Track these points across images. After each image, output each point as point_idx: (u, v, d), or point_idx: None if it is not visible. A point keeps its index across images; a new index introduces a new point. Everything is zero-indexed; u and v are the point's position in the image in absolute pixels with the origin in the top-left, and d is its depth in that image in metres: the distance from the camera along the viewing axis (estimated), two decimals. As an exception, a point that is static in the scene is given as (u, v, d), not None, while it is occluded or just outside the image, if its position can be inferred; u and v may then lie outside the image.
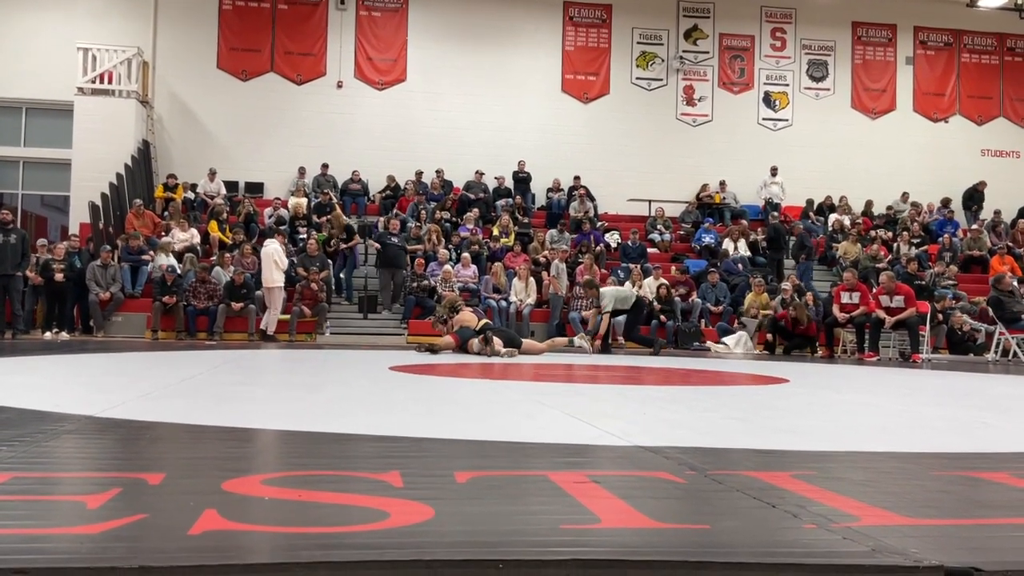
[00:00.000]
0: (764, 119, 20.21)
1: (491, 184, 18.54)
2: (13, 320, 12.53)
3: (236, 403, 4.41)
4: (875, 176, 19.60)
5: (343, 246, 15.58)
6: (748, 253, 16.92)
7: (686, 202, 19.02)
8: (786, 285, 14.57)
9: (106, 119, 16.69)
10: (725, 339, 13.66)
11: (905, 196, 19.44)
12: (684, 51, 19.94)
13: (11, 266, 12.44)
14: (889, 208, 19.17)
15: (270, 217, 16.44)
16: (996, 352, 12.92)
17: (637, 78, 19.87)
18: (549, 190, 18.80)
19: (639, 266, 15.69)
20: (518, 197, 18.29)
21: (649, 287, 14.94)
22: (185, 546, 1.50)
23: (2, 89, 17.56)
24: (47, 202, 18.69)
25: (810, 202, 19.10)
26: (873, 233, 17.58)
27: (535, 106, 19.31)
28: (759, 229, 17.76)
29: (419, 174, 18.21)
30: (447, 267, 14.78)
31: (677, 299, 14.69)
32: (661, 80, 19.91)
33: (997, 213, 19.17)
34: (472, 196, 17.97)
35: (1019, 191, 19.81)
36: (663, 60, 19.91)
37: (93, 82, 16.99)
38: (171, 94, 18.27)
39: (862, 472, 2.69)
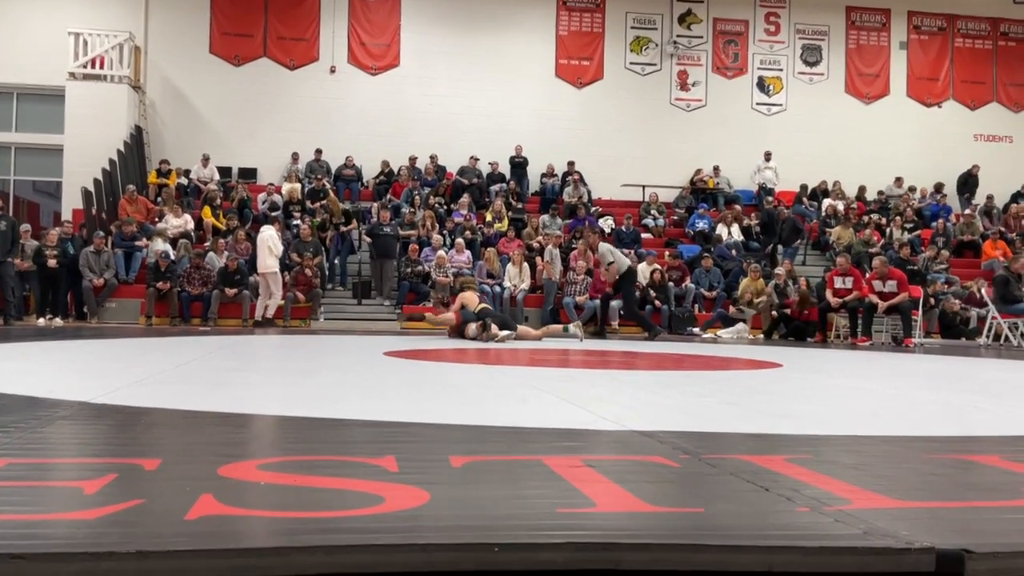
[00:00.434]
0: (758, 104, 20.20)
1: (485, 169, 18.51)
2: (5, 307, 12.51)
3: (231, 389, 4.41)
4: (868, 161, 19.63)
5: (342, 229, 15.54)
6: (741, 238, 16.95)
7: (680, 187, 19.03)
8: (779, 270, 14.60)
9: (98, 104, 16.61)
10: (722, 333, 13.62)
11: (899, 181, 19.47)
12: (678, 36, 19.90)
13: (2, 253, 12.40)
14: (880, 193, 19.20)
15: (263, 203, 16.40)
16: (988, 336, 12.98)
17: (631, 63, 19.84)
18: (543, 175, 18.79)
19: (633, 251, 15.70)
20: (512, 182, 18.27)
21: (643, 272, 14.95)
22: (182, 531, 1.51)
23: (-7, 74, 17.48)
24: (39, 188, 18.63)
25: (804, 187, 19.12)
26: (866, 218, 17.61)
27: (529, 91, 19.27)
28: (753, 214, 17.78)
29: (413, 159, 18.18)
30: (441, 253, 14.78)
31: (671, 284, 14.71)
32: (655, 65, 19.87)
33: (990, 198, 19.22)
34: (466, 181, 17.95)
35: (1012, 176, 19.85)
36: (657, 45, 19.87)
37: (84, 67, 16.91)
38: (163, 79, 18.19)
39: (854, 456, 2.71)
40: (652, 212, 18.08)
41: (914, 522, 1.72)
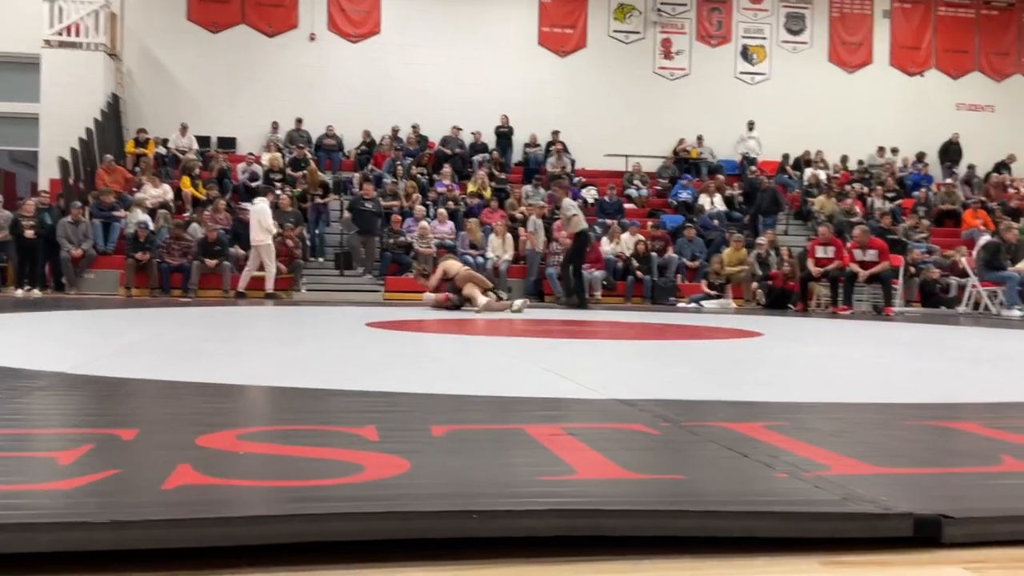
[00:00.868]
0: (741, 73, 20.14)
1: (468, 139, 18.41)
2: (-17, 278, 12.39)
3: (211, 359, 4.39)
4: (851, 130, 19.64)
5: (319, 200, 15.41)
6: (724, 208, 16.97)
7: (663, 157, 18.99)
8: (762, 240, 14.64)
9: (74, 73, 16.36)
10: (706, 304, 13.59)
11: (881, 151, 19.51)
12: (662, 3, 19.77)
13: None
14: (861, 163, 19.24)
15: (243, 173, 16.26)
16: (967, 304, 13.09)
17: (614, 31, 19.70)
18: (526, 145, 18.70)
19: (616, 222, 15.70)
20: (495, 152, 18.18)
21: (626, 243, 14.97)
22: (158, 500, 1.49)
23: (-34, 42, 17.15)
24: (16, 158, 18.38)
25: (786, 156, 19.12)
26: (848, 188, 17.66)
27: (511, 60, 19.12)
28: (735, 184, 17.79)
29: (395, 130, 18.03)
30: (423, 223, 14.72)
31: (653, 255, 14.73)
32: (638, 33, 19.75)
33: (972, 167, 19.30)
34: (449, 151, 17.85)
35: (993, 145, 19.93)
36: (640, 12, 19.74)
37: (60, 34, 16.62)
38: (140, 46, 17.93)
39: (834, 422, 2.73)
40: (635, 182, 18.05)
41: (892, 488, 1.73)
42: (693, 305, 13.32)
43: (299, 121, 17.81)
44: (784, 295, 13.44)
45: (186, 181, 15.64)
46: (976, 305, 12.95)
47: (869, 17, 20.53)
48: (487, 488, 1.67)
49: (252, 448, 2.00)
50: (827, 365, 4.86)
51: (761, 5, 20.21)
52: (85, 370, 3.50)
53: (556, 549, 1.43)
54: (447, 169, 16.97)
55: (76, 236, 13.44)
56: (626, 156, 18.72)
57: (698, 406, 2.99)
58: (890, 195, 17.81)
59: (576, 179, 17.68)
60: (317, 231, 15.34)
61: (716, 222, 16.34)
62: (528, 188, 16.68)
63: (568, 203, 12.64)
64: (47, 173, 15.95)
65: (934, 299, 14.20)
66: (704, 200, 17.03)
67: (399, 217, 14.97)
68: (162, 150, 16.91)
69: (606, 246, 14.95)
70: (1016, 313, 11.92)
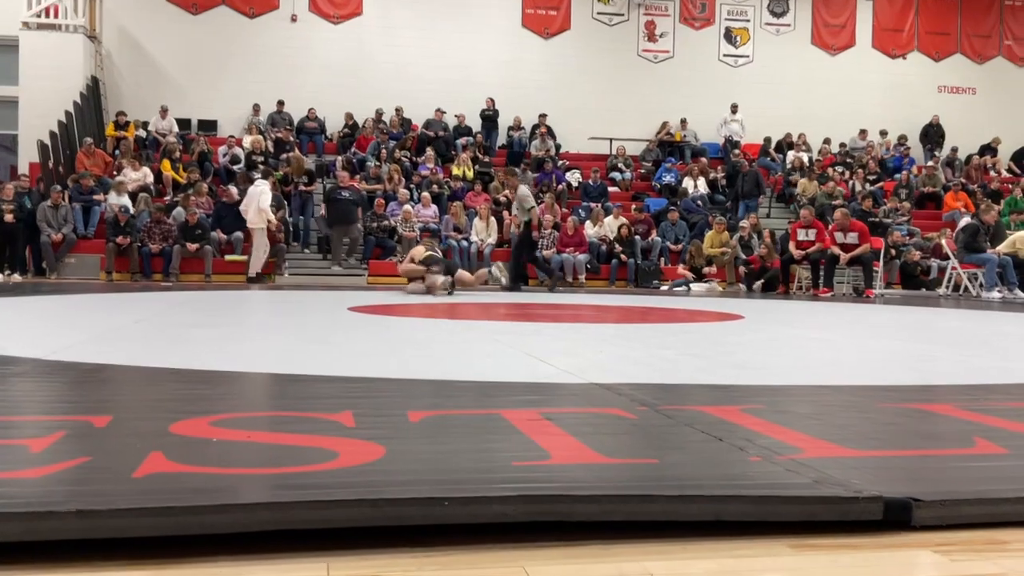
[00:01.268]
0: (725, 55, 20.12)
1: (451, 122, 18.32)
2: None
3: (189, 345, 4.36)
4: (834, 113, 19.67)
5: (302, 188, 15.22)
6: (707, 191, 16.98)
7: (647, 140, 18.98)
8: (744, 223, 14.68)
9: (53, 55, 16.16)
10: (693, 286, 13.61)
11: (863, 133, 19.56)
12: (646, -16, 19.70)
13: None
14: (843, 145, 19.29)
15: (224, 156, 16.13)
16: (947, 287, 13.18)
17: (598, 13, 19.63)
18: (510, 128, 18.63)
19: (600, 205, 15.70)
20: (479, 135, 18.12)
21: (609, 226, 14.98)
22: (128, 489, 1.48)
23: (-58, 24, 16.91)
24: (-6, 141, 18.17)
25: (768, 140, 19.15)
26: (831, 171, 17.71)
27: (495, 42, 19.02)
28: (719, 167, 17.81)
29: (379, 112, 17.92)
30: (407, 207, 14.66)
31: (637, 238, 14.74)
32: (622, 15, 19.68)
33: (954, 150, 19.39)
34: (432, 134, 17.77)
35: (975, 128, 20.01)
36: (624, -6, 19.67)
37: (38, 16, 16.42)
38: (119, 28, 17.72)
39: (810, 406, 2.74)
40: (619, 165, 18.04)
41: (864, 471, 1.74)
42: (681, 288, 13.35)
43: (281, 103, 17.68)
44: (766, 279, 13.48)
45: (166, 164, 15.51)
46: (956, 287, 13.04)
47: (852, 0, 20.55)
48: (461, 474, 1.67)
49: (226, 435, 1.99)
50: (806, 348, 4.88)
51: (745, -13, 20.18)
52: (61, 356, 3.47)
53: (528, 534, 1.43)
54: (430, 152, 16.90)
55: (56, 220, 13.32)
56: (610, 139, 18.69)
57: (676, 390, 3.00)
58: (871, 178, 17.87)
59: (560, 162, 17.65)
60: (302, 217, 15.15)
61: (699, 203, 16.36)
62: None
63: (526, 192, 12.69)
64: (26, 156, 15.79)
65: (915, 281, 14.29)
66: (688, 183, 17.04)
67: (382, 201, 14.90)
68: (142, 133, 16.75)
69: (590, 229, 14.95)
70: (996, 295, 12.02)
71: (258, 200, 12.99)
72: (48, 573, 1.26)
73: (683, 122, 19.16)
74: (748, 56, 20.16)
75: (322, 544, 1.37)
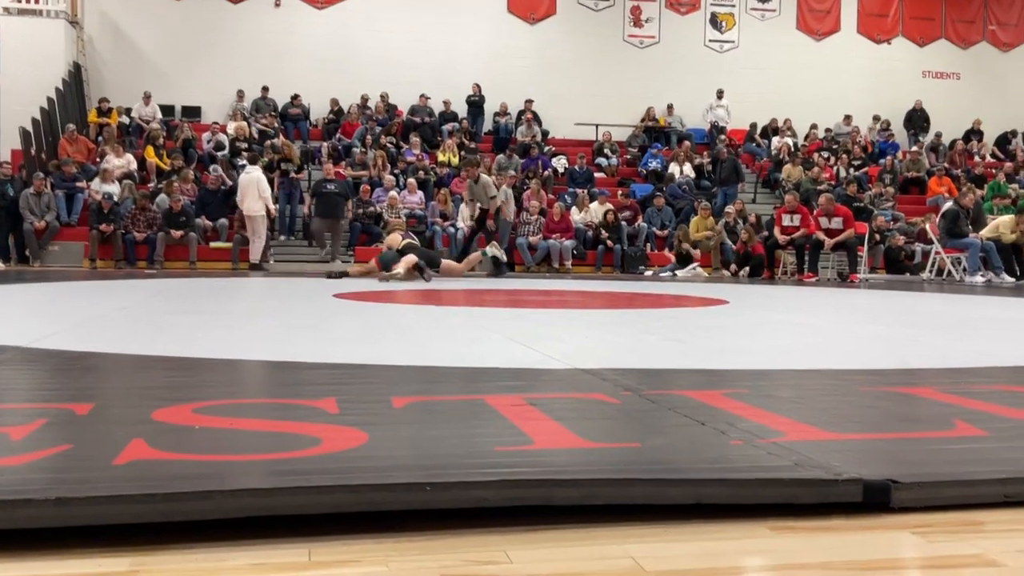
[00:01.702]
0: (711, 41, 20.10)
1: (437, 108, 18.25)
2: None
3: (173, 332, 4.35)
4: (818, 98, 19.70)
5: (294, 175, 15.03)
6: (693, 176, 17.00)
7: (633, 126, 18.96)
8: (730, 209, 14.72)
9: (34, 41, 16.00)
10: (679, 272, 13.59)
11: (848, 119, 19.60)
12: (631, -31, 19.64)
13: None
14: (828, 131, 19.33)
15: (208, 142, 16.03)
16: (931, 271, 13.26)
17: (584, -2, 19.57)
18: (496, 114, 18.58)
19: (586, 191, 15.69)
20: (465, 121, 18.06)
21: (595, 212, 14.98)
22: (108, 476, 1.48)
23: (-81, 9, 16.68)
24: (-25, 128, 17.96)
25: (754, 125, 19.17)
26: (816, 156, 17.75)
27: (480, 27, 18.93)
28: (704, 153, 17.82)
29: (364, 98, 17.83)
30: (393, 193, 14.61)
31: (623, 224, 14.75)
32: (608, 1, 19.62)
33: (938, 135, 19.46)
34: (418, 120, 17.70)
35: (959, 113, 20.09)
36: (610, -22, 19.60)
37: (18, 1, 16.23)
38: (101, 13, 17.55)
39: (792, 389, 2.75)
40: (605, 151, 18.02)
41: (845, 454, 1.75)
42: (666, 274, 13.36)
43: (265, 90, 17.56)
44: (751, 265, 13.51)
45: (150, 151, 15.40)
46: (940, 271, 13.11)
47: (837, -16, 20.55)
48: (443, 460, 1.67)
49: (208, 422, 1.98)
50: (790, 332, 4.90)
51: (730, -28, 20.15)
52: (44, 344, 3.45)
53: (510, 519, 1.44)
54: (416, 138, 16.84)
55: (39, 208, 13.22)
56: (596, 125, 18.67)
57: (660, 375, 3.01)
58: (856, 163, 17.93)
59: (547, 148, 17.62)
60: (288, 206, 14.93)
61: (685, 189, 16.37)
62: (501, 158, 16.60)
63: (490, 181, 12.76)
64: (8, 143, 15.62)
65: (899, 266, 14.36)
66: (674, 168, 17.05)
67: (368, 187, 14.83)
68: (125, 120, 16.61)
69: (576, 215, 14.94)
70: (979, 279, 12.10)
71: (257, 187, 12.91)
72: (27, 562, 1.26)
73: (670, 108, 19.15)
74: (734, 41, 20.15)
75: (304, 530, 1.37)
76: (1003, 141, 20.12)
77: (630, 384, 2.62)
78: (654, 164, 17.39)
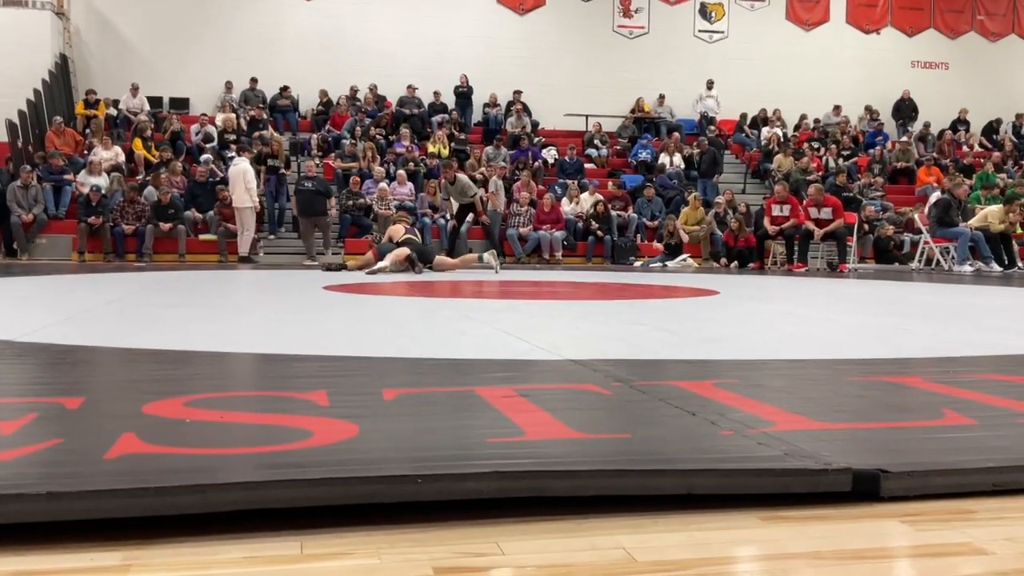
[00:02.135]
0: (700, 31, 20.08)
1: (427, 99, 18.20)
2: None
3: (163, 325, 4.33)
4: (808, 89, 19.71)
5: (282, 171, 14.92)
6: (683, 167, 17.01)
7: (623, 116, 18.95)
8: (720, 199, 14.73)
9: (20, 32, 15.88)
10: (669, 263, 13.59)
11: (837, 109, 19.63)
12: (620, -41, 19.58)
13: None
14: (817, 121, 19.36)
15: (197, 134, 15.95)
16: (920, 261, 13.31)
17: (573, -12, 19.51)
18: (486, 105, 18.54)
19: (576, 182, 15.69)
20: (454, 112, 18.02)
21: (586, 203, 14.98)
22: (100, 470, 1.48)
23: (-97, 0, 16.53)
24: (-40, 121, 17.82)
25: (744, 116, 19.17)
26: (805, 146, 17.77)
27: (470, 17, 18.87)
28: (694, 143, 17.83)
29: (353, 90, 17.76)
30: (383, 185, 14.58)
31: (614, 215, 14.76)
32: (598, -10, 19.57)
33: (927, 125, 19.51)
34: (407, 112, 17.65)
35: (947, 103, 20.13)
36: (599, -31, 19.54)
37: (3, -8, 16.11)
38: (88, 4, 17.42)
39: (782, 379, 2.76)
40: (595, 142, 18.01)
41: (835, 443, 1.76)
42: (657, 264, 13.38)
43: (254, 81, 17.47)
44: (740, 253, 13.53)
45: (138, 143, 15.32)
46: (929, 261, 13.17)
47: (826, -26, 20.54)
48: (434, 451, 1.67)
49: (199, 416, 1.98)
50: (780, 322, 4.92)
51: (719, -38, 20.11)
52: (33, 338, 3.44)
53: (502, 510, 1.44)
54: (405, 130, 16.79)
55: (26, 201, 13.15)
56: (586, 116, 18.64)
57: (651, 365, 3.02)
58: (846, 152, 17.97)
59: (536, 139, 17.59)
60: (276, 204, 14.77)
61: (675, 180, 16.38)
62: (490, 149, 16.58)
63: (468, 182, 12.90)
64: (-6, 136, 15.54)
65: (888, 256, 14.41)
66: (664, 159, 17.05)
67: (358, 179, 14.79)
68: (113, 112, 16.52)
69: (566, 206, 14.94)
70: (967, 268, 12.15)
71: (243, 179, 12.85)
72: (19, 556, 1.25)
73: (661, 98, 19.13)
74: (723, 32, 20.14)
75: (296, 523, 1.37)
76: (989, 130, 20.18)
77: (621, 375, 2.63)
78: (644, 155, 17.38)
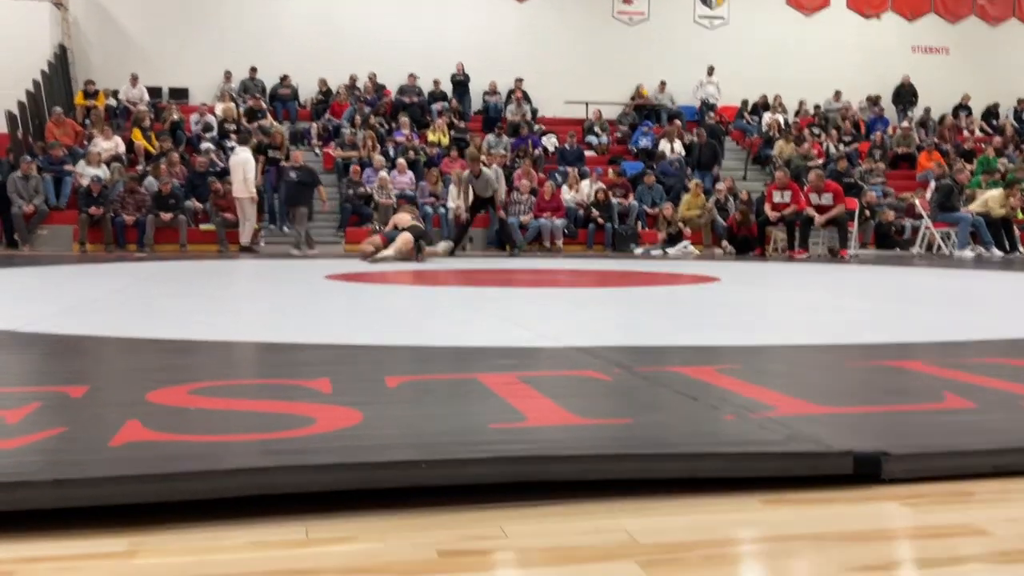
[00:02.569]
0: (700, 17, 20.00)
1: (426, 88, 18.16)
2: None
3: (165, 315, 4.34)
4: (808, 75, 19.63)
5: (283, 163, 14.85)
6: (684, 154, 16.97)
7: (623, 104, 18.90)
8: (720, 186, 14.71)
9: (19, 23, 15.82)
10: (669, 250, 13.55)
11: (837, 95, 19.57)
12: (620, -56, 19.49)
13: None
14: (818, 107, 19.30)
15: (196, 124, 15.92)
16: (921, 246, 13.30)
17: (573, -25, 19.42)
18: (486, 93, 18.48)
19: (576, 169, 15.66)
20: (454, 100, 17.98)
21: (586, 190, 14.96)
22: (104, 458, 1.48)
23: (-99, -8, 16.48)
24: (-40, 112, 17.80)
25: (745, 102, 19.12)
26: (806, 132, 17.73)
27: (469, 5, 18.79)
28: (695, 130, 17.78)
29: (353, 79, 17.71)
30: (383, 174, 14.56)
31: (615, 202, 14.74)
32: (597, -23, 19.49)
33: (927, 110, 19.46)
34: (406, 100, 17.61)
35: (948, 88, 20.06)
36: (599, -45, 19.46)
37: (1, -18, 16.05)
38: (86, -6, 17.36)
39: (783, 364, 2.77)
40: (596, 129, 17.96)
41: (836, 427, 1.77)
42: (657, 251, 13.36)
43: (253, 70, 17.43)
44: (744, 241, 13.51)
45: (137, 133, 15.29)
46: (930, 246, 13.16)
47: (827, -41, 20.45)
48: (438, 438, 1.68)
49: (203, 403, 1.99)
50: (781, 308, 4.92)
51: (719, -53, 20.02)
52: (35, 328, 3.44)
53: (506, 495, 1.45)
54: (405, 118, 16.75)
55: (27, 191, 13.13)
56: (586, 103, 18.59)
57: (653, 352, 3.02)
58: (847, 138, 17.92)
59: (536, 127, 17.55)
60: (277, 195, 14.67)
61: (676, 166, 16.35)
62: (491, 137, 16.54)
63: (492, 175, 12.83)
64: (-6, 127, 15.52)
65: (889, 241, 14.40)
66: (664, 146, 17.01)
67: (358, 168, 14.77)
68: (112, 102, 16.48)
69: (567, 194, 14.92)
70: (968, 253, 12.14)
71: (243, 169, 12.82)
72: (26, 543, 1.26)
73: (661, 85, 19.06)
74: (723, 18, 20.06)
75: (301, 508, 1.38)
76: (989, 115, 20.13)
77: (622, 361, 2.63)
78: (644, 142, 17.34)
